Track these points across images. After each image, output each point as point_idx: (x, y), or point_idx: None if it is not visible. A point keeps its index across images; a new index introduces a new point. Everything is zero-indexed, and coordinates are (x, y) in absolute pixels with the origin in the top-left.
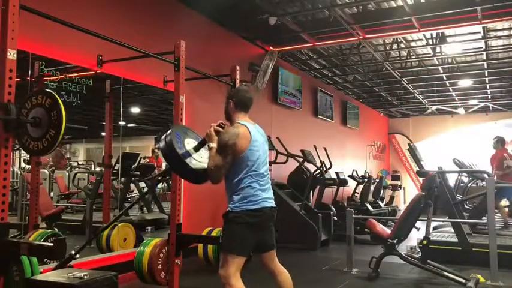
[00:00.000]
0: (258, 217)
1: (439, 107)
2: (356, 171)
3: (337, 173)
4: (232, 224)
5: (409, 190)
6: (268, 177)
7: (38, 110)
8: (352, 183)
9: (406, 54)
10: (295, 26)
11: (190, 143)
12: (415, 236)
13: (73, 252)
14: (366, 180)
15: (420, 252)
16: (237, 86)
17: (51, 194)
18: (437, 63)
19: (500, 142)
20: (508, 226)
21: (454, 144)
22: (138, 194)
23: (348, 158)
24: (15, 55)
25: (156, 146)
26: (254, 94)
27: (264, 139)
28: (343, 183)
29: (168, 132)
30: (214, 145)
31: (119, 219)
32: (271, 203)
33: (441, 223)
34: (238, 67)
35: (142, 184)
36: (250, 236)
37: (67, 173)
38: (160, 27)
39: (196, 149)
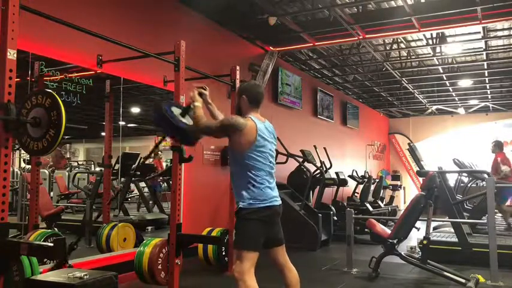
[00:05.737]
0: (268, 214)
1: (439, 107)
2: (356, 171)
3: (337, 173)
4: (244, 220)
5: (409, 190)
6: (274, 175)
7: (38, 110)
8: (352, 183)
9: (406, 54)
10: (295, 26)
11: (177, 111)
12: (415, 236)
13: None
14: (366, 180)
15: (420, 252)
16: (249, 81)
17: (51, 194)
18: (437, 63)
19: (498, 146)
20: (510, 228)
21: (454, 144)
22: (138, 194)
23: (348, 158)
24: (15, 55)
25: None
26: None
27: (274, 139)
28: (343, 183)
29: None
30: (198, 104)
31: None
32: (279, 201)
33: (441, 223)
34: (238, 67)
35: (142, 184)
36: (261, 232)
37: (67, 173)
38: (160, 27)
39: (183, 114)
